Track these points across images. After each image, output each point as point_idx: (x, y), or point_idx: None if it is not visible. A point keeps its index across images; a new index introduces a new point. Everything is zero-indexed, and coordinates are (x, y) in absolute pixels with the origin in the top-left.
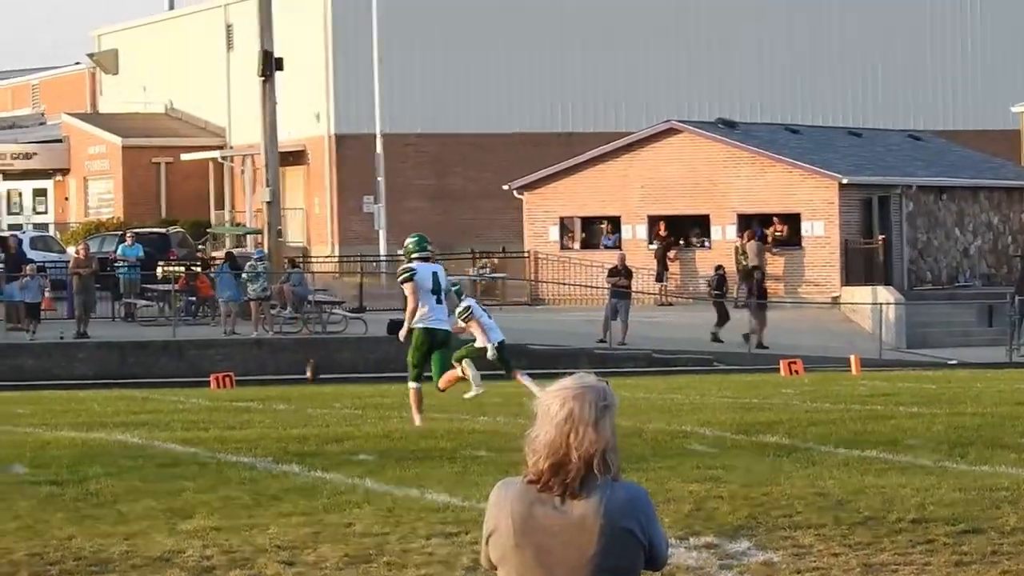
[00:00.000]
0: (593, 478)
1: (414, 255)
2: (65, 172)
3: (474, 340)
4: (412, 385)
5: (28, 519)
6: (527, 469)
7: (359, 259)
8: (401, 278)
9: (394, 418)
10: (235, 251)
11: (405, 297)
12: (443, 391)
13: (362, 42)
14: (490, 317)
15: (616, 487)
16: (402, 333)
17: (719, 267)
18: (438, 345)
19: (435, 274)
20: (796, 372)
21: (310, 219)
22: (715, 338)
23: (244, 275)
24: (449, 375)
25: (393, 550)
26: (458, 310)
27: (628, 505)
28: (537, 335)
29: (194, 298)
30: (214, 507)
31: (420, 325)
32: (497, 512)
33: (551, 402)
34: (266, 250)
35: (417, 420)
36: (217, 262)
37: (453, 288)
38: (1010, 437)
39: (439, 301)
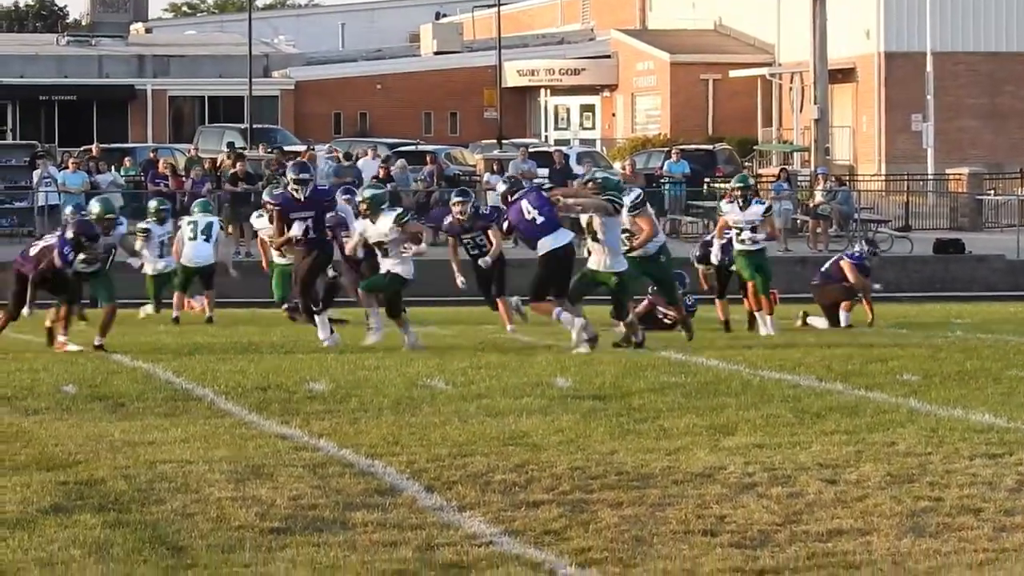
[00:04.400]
0: None
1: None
2: (613, 88)
3: None
4: None
5: (571, 433)
6: None
7: (906, 178)
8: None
9: (939, 337)
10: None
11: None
12: None
13: None
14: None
15: None
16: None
17: None
18: None
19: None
20: None
21: (857, 137)
22: None
23: (819, 192)
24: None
25: (936, 470)
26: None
27: None
28: None
29: None
30: (756, 424)
31: None
32: None
33: None
34: (814, 168)
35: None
36: (764, 180)
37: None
38: None
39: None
